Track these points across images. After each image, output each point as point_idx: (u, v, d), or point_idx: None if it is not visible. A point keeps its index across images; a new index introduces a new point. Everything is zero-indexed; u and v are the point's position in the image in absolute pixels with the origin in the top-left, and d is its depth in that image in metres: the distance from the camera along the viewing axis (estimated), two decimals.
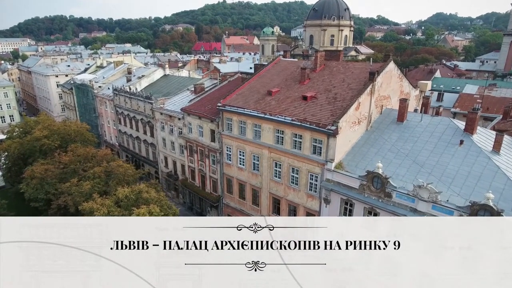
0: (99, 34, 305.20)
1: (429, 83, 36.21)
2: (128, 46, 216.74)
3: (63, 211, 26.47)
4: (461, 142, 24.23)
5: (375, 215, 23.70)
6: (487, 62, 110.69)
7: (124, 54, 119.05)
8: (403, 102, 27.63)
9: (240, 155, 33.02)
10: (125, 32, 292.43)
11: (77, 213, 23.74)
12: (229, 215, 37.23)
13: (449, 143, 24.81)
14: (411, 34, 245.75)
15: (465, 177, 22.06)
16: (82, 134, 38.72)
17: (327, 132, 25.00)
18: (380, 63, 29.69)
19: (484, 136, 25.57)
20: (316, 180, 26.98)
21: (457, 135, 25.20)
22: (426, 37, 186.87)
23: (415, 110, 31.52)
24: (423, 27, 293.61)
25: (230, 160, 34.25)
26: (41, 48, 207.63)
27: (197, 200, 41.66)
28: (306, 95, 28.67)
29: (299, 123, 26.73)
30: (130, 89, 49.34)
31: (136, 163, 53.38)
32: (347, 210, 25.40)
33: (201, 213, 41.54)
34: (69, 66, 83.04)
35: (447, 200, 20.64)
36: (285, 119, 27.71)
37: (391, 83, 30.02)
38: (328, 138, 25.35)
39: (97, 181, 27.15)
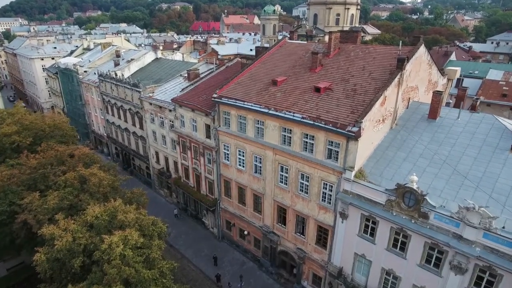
0: (94, 13, 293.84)
1: (459, 69, 31.12)
2: (123, 26, 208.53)
3: (30, 228, 22.00)
4: None
5: (405, 237, 19.33)
6: (498, 43, 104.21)
7: (118, 34, 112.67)
8: (437, 95, 22.71)
9: (240, 155, 28.38)
10: (121, 11, 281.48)
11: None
12: (227, 221, 32.99)
13: (496, 147, 20.15)
14: (417, 14, 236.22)
15: None
16: (59, 129, 33.77)
17: (347, 134, 20.18)
18: (409, 46, 24.53)
19: None
20: (331, 190, 22.40)
21: (505, 137, 20.52)
22: (434, 16, 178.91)
23: (447, 104, 26.68)
24: (429, 6, 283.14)
25: (228, 160, 29.65)
26: (34, 28, 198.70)
27: (191, 201, 37.28)
28: (319, 86, 23.68)
29: (312, 122, 21.83)
30: (116, 74, 44.09)
31: (126, 157, 48.92)
32: (369, 228, 21.01)
33: (196, 215, 37.27)
34: (55, 48, 76.73)
35: (503, 227, 16.15)
36: (294, 116, 22.80)
37: (420, 71, 25.08)
38: (347, 141, 20.55)
39: (68, 191, 22.52)
